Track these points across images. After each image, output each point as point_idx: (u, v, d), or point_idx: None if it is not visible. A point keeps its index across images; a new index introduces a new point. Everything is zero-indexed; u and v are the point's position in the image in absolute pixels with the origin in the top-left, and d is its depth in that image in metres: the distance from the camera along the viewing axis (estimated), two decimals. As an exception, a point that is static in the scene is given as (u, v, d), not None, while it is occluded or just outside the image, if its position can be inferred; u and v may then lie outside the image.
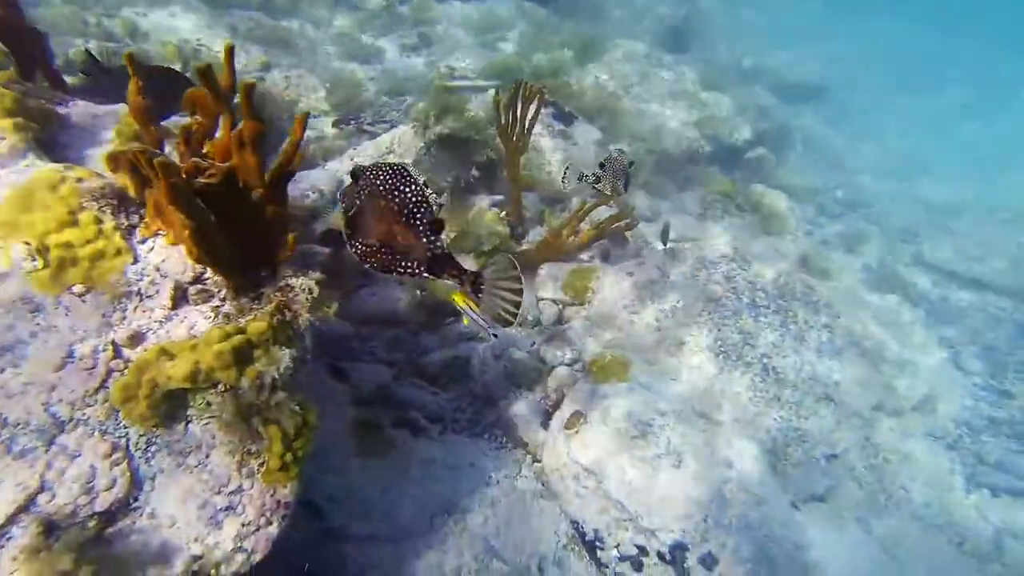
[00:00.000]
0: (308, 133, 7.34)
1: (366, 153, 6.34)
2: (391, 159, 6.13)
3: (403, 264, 2.28)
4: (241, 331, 2.66)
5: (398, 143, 6.19)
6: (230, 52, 2.77)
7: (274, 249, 2.90)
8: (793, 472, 5.27)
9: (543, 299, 5.96)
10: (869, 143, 14.03)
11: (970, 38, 28.21)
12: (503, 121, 6.12)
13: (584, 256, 6.56)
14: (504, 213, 6.41)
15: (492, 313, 2.32)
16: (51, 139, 3.60)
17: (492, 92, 6.34)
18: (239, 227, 2.67)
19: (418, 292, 5.42)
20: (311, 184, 5.95)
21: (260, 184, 2.63)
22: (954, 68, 22.31)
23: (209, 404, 2.64)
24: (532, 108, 6.17)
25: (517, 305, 2.29)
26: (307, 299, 2.79)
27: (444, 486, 4.28)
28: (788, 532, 4.58)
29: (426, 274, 2.27)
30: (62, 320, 2.79)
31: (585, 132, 7.93)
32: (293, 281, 2.84)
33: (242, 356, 2.60)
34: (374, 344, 5.29)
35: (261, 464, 2.68)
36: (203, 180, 2.38)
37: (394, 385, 4.94)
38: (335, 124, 7.66)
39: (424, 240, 2.24)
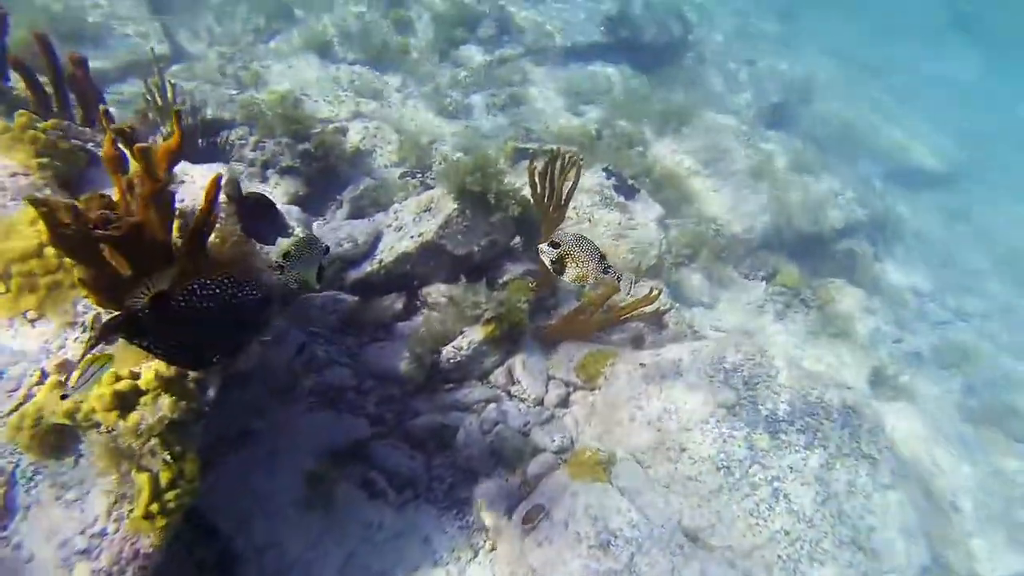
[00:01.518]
0: (371, 182, 7.68)
1: (408, 208, 6.52)
2: (425, 216, 6.25)
3: None
4: (135, 376, 2.77)
5: (436, 202, 6.31)
6: (178, 116, 2.97)
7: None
8: (797, 623, 4.54)
9: (553, 378, 5.72)
10: (999, 241, 12.26)
11: None
12: (539, 190, 6.07)
13: (615, 337, 6.26)
14: (535, 283, 6.28)
15: None
16: (80, 175, 4.03)
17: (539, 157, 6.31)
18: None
19: (417, 350, 5.40)
20: (348, 233, 6.20)
21: (165, 238, 2.75)
22: None
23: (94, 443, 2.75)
24: (569, 179, 6.09)
25: None
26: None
27: (383, 556, 4.15)
28: None
29: None
30: (9, 342, 3.05)
31: (646, 208, 7.66)
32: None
33: (125, 401, 2.69)
34: (368, 398, 5.32)
35: (132, 510, 2.73)
36: (101, 232, 2.53)
37: (373, 443, 4.92)
38: (401, 176, 7.99)
39: None
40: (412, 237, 6.04)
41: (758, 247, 8.09)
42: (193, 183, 4.13)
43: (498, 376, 5.62)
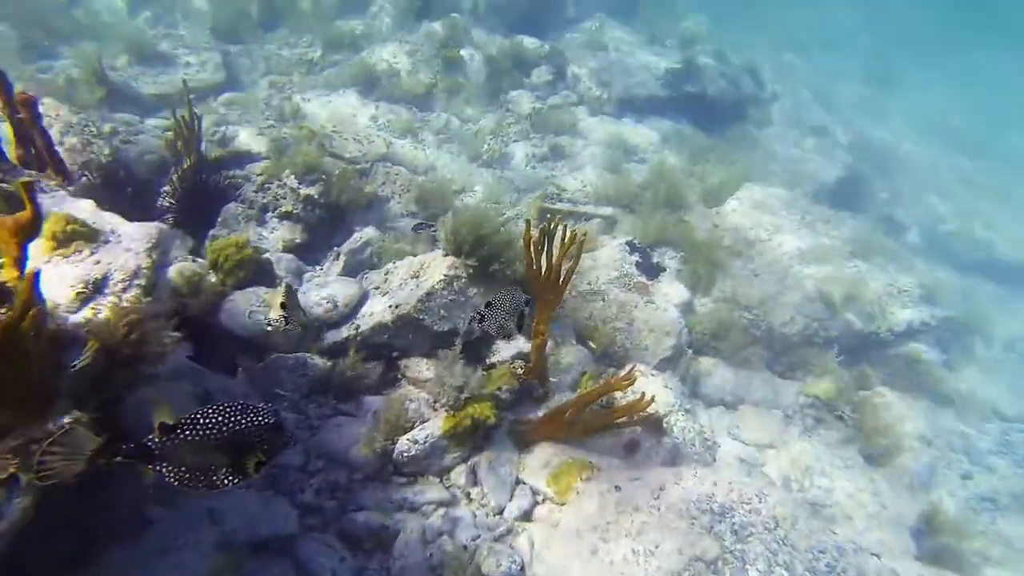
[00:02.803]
0: (374, 234, 7.24)
1: (399, 271, 6.06)
2: (410, 284, 5.76)
3: None
4: None
5: (426, 268, 5.81)
6: (28, 189, 2.60)
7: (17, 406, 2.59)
8: None
9: (522, 483, 5.04)
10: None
11: None
12: (534, 266, 5.46)
13: (605, 442, 5.50)
14: (523, 370, 5.65)
15: None
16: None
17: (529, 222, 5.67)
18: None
19: (373, 434, 4.87)
20: (329, 293, 5.80)
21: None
22: None
23: None
24: (571, 256, 5.44)
25: None
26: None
27: None
28: None
29: None
30: None
31: (670, 289, 6.86)
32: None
33: None
34: (311, 482, 4.81)
35: None
36: None
37: (301, 538, 4.39)
38: (415, 228, 7.56)
39: None
40: (391, 307, 5.55)
41: (799, 342, 7.09)
42: (119, 244, 3.80)
43: (459, 475, 4.99)
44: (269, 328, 5.52)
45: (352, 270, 6.63)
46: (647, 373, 6.17)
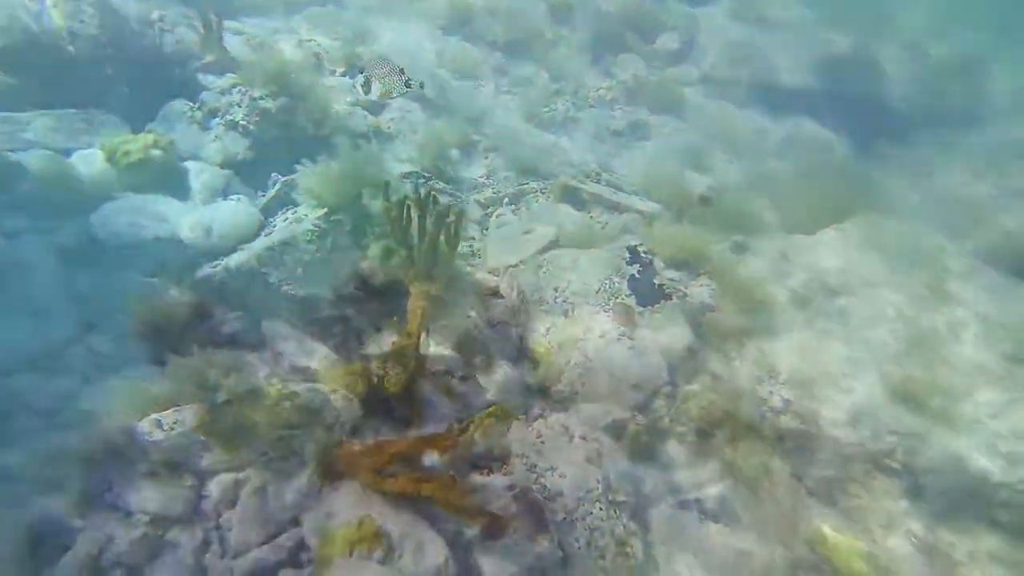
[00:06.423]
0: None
1: (298, 211, 4.77)
2: (288, 225, 4.44)
3: None
4: None
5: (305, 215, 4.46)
6: None
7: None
8: None
9: (299, 525, 3.57)
10: None
11: None
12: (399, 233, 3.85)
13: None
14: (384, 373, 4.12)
15: None
16: None
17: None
18: None
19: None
20: (210, 219, 4.71)
21: None
22: None
23: None
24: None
25: None
26: None
27: None
28: None
29: None
30: None
31: (668, 324, 4.77)
32: None
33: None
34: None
35: None
36: None
37: None
38: (406, 175, 6.23)
39: None
40: (244, 250, 4.30)
41: (855, 455, 4.60)
42: None
43: (217, 485, 3.63)
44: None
45: (285, 203, 5.48)
46: (577, 434, 4.28)
